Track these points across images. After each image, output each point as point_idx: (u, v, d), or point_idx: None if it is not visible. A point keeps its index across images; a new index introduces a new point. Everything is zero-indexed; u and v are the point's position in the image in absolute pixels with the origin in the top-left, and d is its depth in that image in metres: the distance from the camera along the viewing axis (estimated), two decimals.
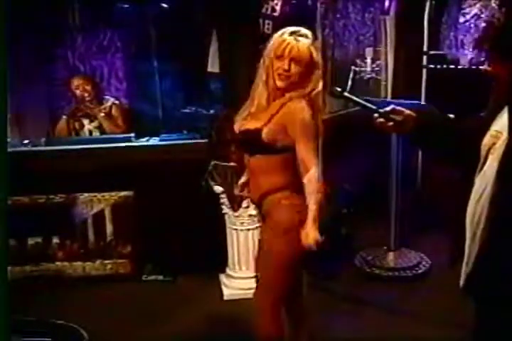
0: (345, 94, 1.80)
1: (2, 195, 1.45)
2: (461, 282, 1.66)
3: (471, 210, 1.64)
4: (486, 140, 1.64)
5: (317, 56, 2.04)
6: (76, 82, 3.88)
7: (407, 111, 1.77)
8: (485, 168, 1.61)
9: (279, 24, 3.97)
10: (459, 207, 1.67)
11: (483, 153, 1.64)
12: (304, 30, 2.03)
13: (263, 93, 2.06)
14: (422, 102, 3.94)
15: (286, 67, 1.99)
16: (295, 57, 1.99)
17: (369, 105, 1.75)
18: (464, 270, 1.65)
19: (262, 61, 2.07)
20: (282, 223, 2.08)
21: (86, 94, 3.87)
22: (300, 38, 2.01)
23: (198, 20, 3.99)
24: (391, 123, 1.70)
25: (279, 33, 2.04)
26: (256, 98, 2.08)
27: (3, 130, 1.60)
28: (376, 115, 1.73)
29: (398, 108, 1.76)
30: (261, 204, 2.16)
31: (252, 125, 2.08)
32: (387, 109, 1.73)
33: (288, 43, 1.99)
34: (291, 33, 2.01)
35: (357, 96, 1.79)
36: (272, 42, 2.04)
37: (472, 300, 1.69)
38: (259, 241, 2.32)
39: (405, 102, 3.57)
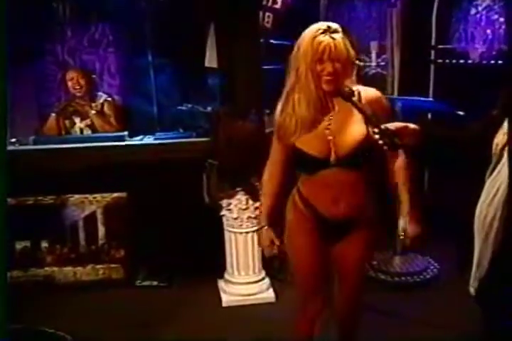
0: (354, 99, 1.85)
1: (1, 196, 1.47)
2: (472, 286, 1.67)
3: (481, 212, 1.65)
4: (499, 138, 1.64)
5: (352, 49, 1.99)
6: (71, 73, 3.89)
7: (411, 126, 1.79)
8: (499, 167, 1.62)
9: (280, 17, 4.01)
10: (467, 209, 1.69)
11: (495, 152, 1.65)
12: (333, 25, 1.97)
13: (311, 100, 1.99)
14: (430, 98, 3.95)
15: (330, 69, 1.94)
16: (335, 57, 1.93)
17: (371, 118, 1.79)
18: (475, 273, 1.66)
19: (293, 66, 2.00)
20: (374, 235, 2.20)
21: (78, 87, 3.87)
22: (334, 35, 1.95)
23: (195, 12, 4.00)
24: (385, 147, 1.72)
25: (310, 33, 1.96)
26: (303, 109, 2.01)
27: (4, 130, 1.62)
28: (376, 130, 1.74)
29: (401, 125, 1.77)
30: (350, 220, 2.13)
31: (344, 135, 2.00)
32: (389, 126, 1.73)
33: (326, 44, 1.93)
34: (324, 32, 1.94)
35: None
36: (302, 44, 1.97)
37: (483, 305, 1.69)
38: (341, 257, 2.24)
39: (412, 99, 3.60)
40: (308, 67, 1.95)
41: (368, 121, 1.82)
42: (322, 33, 1.94)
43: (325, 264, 2.22)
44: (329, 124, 2.02)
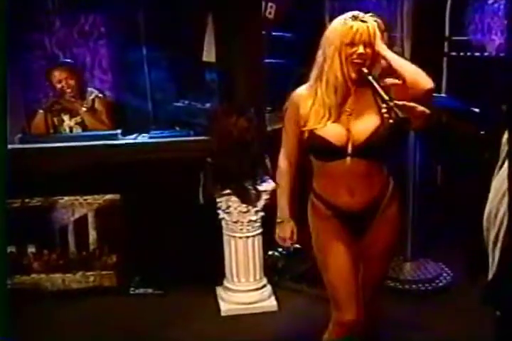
0: (370, 77, 2.00)
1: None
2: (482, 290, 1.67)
3: (491, 210, 1.65)
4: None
5: (384, 49, 2.12)
6: (58, 75, 3.86)
7: (420, 108, 1.88)
8: (507, 162, 1.62)
9: (283, 7, 4.01)
10: (480, 210, 1.69)
11: (503, 148, 1.66)
12: (363, 14, 2.11)
13: (339, 86, 2.11)
14: (443, 94, 3.95)
15: (362, 50, 2.07)
16: (367, 41, 2.08)
17: (383, 94, 1.92)
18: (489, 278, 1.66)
19: (320, 54, 2.14)
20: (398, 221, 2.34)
21: (69, 90, 3.87)
22: (366, 19, 2.10)
23: (192, 2, 4.00)
24: (391, 121, 1.86)
25: (339, 21, 2.11)
26: (331, 95, 2.12)
27: (3, 131, 1.63)
28: (384, 106, 1.89)
29: (409, 104, 1.87)
30: (372, 211, 2.25)
31: (368, 122, 2.12)
32: (398, 102, 1.86)
33: (359, 27, 2.07)
34: (355, 18, 2.09)
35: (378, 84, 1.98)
36: (332, 31, 2.11)
37: (493, 310, 1.69)
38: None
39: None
40: (338, 50, 2.08)
41: (382, 99, 1.93)
42: (353, 19, 2.08)
43: (357, 267, 2.32)
44: (350, 113, 2.14)
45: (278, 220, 2.35)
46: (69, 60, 4.18)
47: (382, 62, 2.14)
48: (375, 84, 1.99)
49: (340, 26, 2.09)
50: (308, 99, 2.18)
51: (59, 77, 3.86)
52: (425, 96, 2.07)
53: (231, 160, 3.18)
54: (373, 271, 2.38)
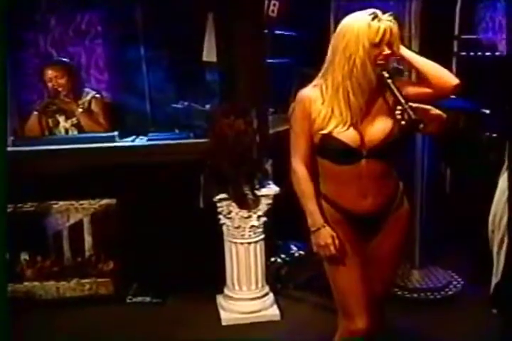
0: (389, 81, 2.03)
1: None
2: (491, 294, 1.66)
3: (497, 213, 1.65)
4: None
5: (403, 50, 2.15)
6: (50, 73, 3.86)
7: (435, 111, 1.94)
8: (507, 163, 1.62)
9: (287, 5, 4.00)
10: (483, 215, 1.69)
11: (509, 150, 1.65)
12: (381, 13, 2.11)
13: (367, 89, 2.12)
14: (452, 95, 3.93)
15: (388, 51, 2.09)
16: (393, 41, 2.10)
17: (400, 97, 1.98)
18: (493, 281, 1.65)
19: (341, 55, 2.13)
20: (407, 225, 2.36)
21: (60, 89, 3.85)
22: (390, 19, 2.10)
23: (192, 0, 3.99)
24: (402, 122, 1.90)
25: (360, 20, 2.10)
26: (359, 97, 2.14)
27: (3, 133, 1.62)
28: (399, 107, 1.93)
29: (424, 106, 1.93)
30: (383, 214, 2.28)
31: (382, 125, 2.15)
32: (413, 104, 1.91)
33: (386, 27, 2.08)
34: (375, 17, 2.09)
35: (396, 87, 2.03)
36: (352, 31, 2.10)
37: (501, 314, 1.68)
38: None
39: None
40: (366, 52, 2.08)
41: (397, 100, 1.97)
42: (374, 18, 2.08)
43: (367, 273, 2.31)
44: (364, 115, 2.16)
45: (312, 229, 2.28)
46: (64, 59, 4.16)
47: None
48: (393, 87, 2.02)
49: (366, 26, 2.08)
50: (318, 100, 2.18)
51: (50, 75, 3.85)
52: (451, 93, 2.09)
53: (227, 164, 3.17)
54: (381, 275, 2.38)
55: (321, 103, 2.17)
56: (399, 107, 1.94)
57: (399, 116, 1.93)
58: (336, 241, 2.26)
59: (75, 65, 4.19)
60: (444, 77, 2.09)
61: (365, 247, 2.32)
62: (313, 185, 2.30)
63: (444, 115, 1.96)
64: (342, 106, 2.14)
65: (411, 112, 1.89)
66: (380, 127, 2.15)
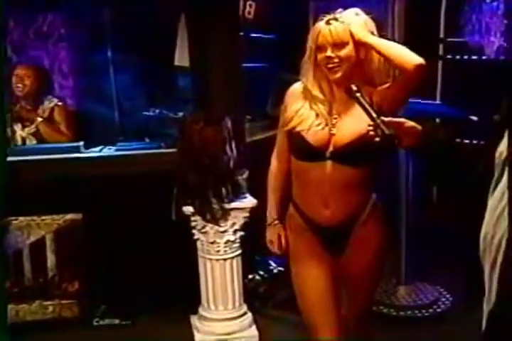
0: (358, 94, 2.04)
1: None
2: (483, 323, 1.65)
3: (488, 232, 1.64)
4: (502, 147, 1.64)
5: (365, 36, 2.15)
6: (18, 70, 3.87)
7: (409, 124, 1.94)
8: (503, 180, 1.61)
9: (264, 6, 4.02)
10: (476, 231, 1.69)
11: (498, 161, 1.65)
12: (338, 13, 2.19)
13: (325, 88, 2.23)
14: (437, 101, 3.96)
15: (330, 54, 2.15)
16: (333, 42, 2.15)
17: (371, 111, 1.97)
18: (486, 307, 1.64)
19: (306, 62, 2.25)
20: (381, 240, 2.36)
21: (20, 86, 3.84)
22: (332, 21, 2.17)
23: (163, 1, 3.99)
24: (377, 139, 1.89)
25: (318, 22, 2.20)
26: (319, 96, 2.24)
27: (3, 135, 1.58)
28: (371, 122, 1.92)
29: (397, 120, 1.94)
30: (348, 227, 2.29)
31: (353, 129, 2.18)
32: (385, 119, 1.91)
33: (322, 29, 2.16)
34: (327, 22, 2.17)
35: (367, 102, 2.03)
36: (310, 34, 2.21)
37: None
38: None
39: (416, 102, 3.60)
40: (313, 55, 2.19)
41: (369, 116, 1.97)
42: (327, 21, 2.17)
43: (336, 287, 2.34)
44: (336, 117, 2.23)
45: (267, 222, 2.42)
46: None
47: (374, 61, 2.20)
48: (363, 101, 2.03)
49: (312, 30, 2.20)
50: (298, 98, 2.28)
51: (19, 73, 3.86)
52: (416, 74, 2.10)
53: (193, 174, 3.16)
54: (356, 296, 2.41)
55: (301, 100, 2.26)
56: (371, 123, 1.94)
57: (372, 133, 1.93)
58: (283, 241, 2.38)
59: (46, 70, 4.20)
60: (407, 55, 2.11)
61: (336, 264, 2.33)
62: (282, 181, 2.40)
63: (419, 127, 1.97)
64: (315, 106, 2.23)
65: (384, 127, 1.89)
66: (349, 130, 2.19)
